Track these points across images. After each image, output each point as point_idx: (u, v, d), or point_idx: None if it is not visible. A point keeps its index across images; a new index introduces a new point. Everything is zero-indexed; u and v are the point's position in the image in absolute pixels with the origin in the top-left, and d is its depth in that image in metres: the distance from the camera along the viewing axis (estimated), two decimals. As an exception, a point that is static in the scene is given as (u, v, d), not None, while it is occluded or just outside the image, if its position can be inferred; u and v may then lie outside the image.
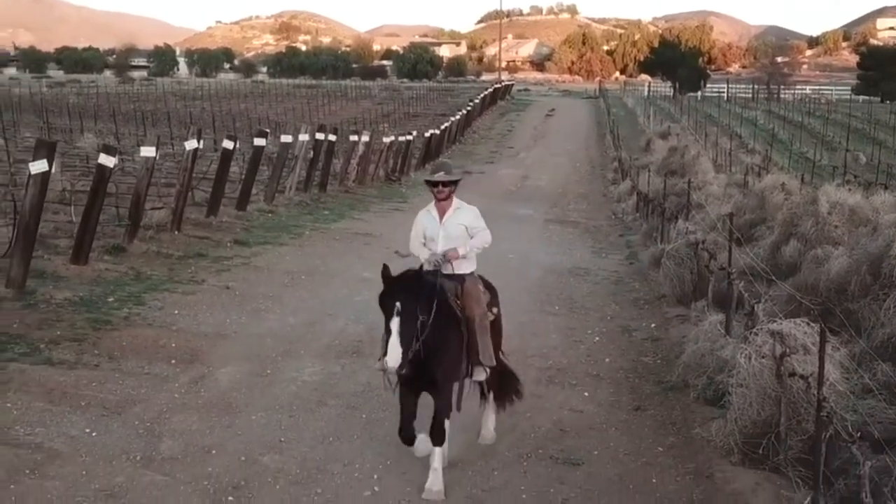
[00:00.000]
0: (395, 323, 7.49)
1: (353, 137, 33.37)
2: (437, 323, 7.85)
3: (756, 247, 16.95)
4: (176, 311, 13.44)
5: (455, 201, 8.78)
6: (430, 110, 77.70)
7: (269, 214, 23.72)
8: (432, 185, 8.70)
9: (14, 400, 9.54)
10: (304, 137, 27.67)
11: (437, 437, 8.12)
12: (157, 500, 7.87)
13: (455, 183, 8.76)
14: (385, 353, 7.50)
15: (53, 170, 14.32)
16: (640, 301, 16.32)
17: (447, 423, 8.25)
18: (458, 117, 59.23)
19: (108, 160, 15.25)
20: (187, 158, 19.07)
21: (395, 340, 7.45)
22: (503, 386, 9.18)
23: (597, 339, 13.58)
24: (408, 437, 8.20)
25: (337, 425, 9.54)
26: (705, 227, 18.16)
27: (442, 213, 8.73)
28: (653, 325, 14.35)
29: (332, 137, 29.72)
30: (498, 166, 47.12)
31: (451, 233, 8.67)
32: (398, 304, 7.51)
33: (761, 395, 8.63)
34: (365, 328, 12.80)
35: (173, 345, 11.85)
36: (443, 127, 51.77)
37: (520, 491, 8.28)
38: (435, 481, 8.05)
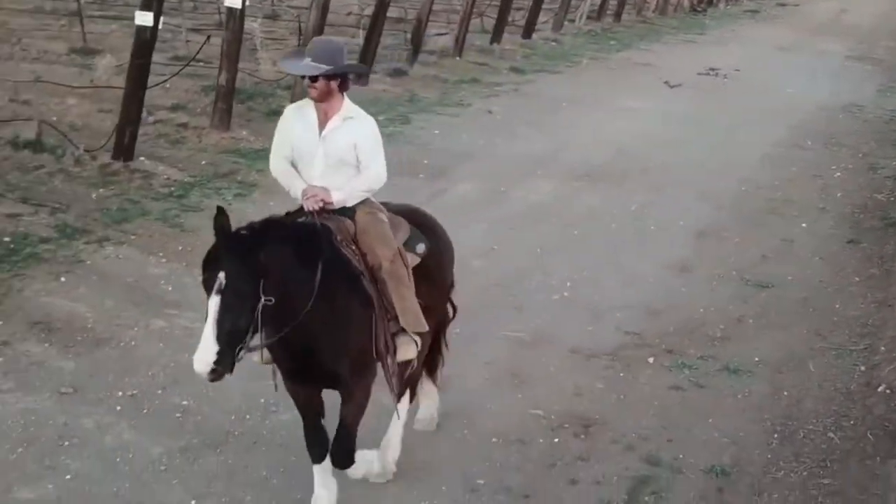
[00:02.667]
0: (212, 305, 4.53)
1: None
2: (326, 289, 4.98)
3: None
4: (436, 132, 14.59)
5: (347, 105, 5.45)
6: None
7: (553, 43, 24.33)
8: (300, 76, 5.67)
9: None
10: (596, -34, 27.82)
11: (341, 456, 5.42)
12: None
13: (342, 76, 5.38)
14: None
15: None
16: (903, 140, 15.95)
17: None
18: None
19: (387, -13, 16.44)
20: (470, -15, 19.98)
21: (208, 333, 4.51)
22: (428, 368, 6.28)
23: (838, 174, 13.58)
24: (317, 450, 5.46)
25: (548, 239, 10.36)
26: None
27: (324, 121, 5.42)
28: (902, 164, 14.15)
29: (628, -34, 29.65)
30: (818, -2, 45.12)
31: (336, 153, 5.43)
32: (220, 276, 4.53)
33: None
34: (605, 156, 13.57)
35: (425, 161, 12.99)
36: (763, -48, 49.49)
37: (698, 305, 8.83)
38: None
